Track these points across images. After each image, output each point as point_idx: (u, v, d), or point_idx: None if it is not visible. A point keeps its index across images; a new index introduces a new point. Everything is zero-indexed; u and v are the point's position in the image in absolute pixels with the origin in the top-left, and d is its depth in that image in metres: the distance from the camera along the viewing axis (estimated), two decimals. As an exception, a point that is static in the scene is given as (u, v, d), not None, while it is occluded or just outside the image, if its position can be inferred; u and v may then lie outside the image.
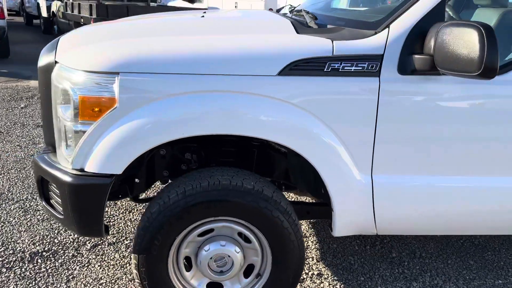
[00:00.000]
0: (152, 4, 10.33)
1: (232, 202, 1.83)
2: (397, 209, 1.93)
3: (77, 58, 1.80)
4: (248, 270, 2.05)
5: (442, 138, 1.82)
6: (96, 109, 1.73)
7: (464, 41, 1.50)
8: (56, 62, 1.90)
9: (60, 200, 1.91)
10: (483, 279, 2.56)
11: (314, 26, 1.97)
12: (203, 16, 2.31)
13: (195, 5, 12.13)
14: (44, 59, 1.97)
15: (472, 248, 2.86)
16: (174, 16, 2.57)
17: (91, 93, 1.72)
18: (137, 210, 3.16)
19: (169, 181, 2.46)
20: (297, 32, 1.90)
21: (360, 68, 1.74)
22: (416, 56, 1.72)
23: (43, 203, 2.06)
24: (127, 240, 2.78)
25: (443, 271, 2.61)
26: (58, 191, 1.89)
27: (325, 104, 1.76)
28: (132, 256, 1.96)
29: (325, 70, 1.74)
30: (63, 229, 2.84)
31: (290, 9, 2.94)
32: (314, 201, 2.49)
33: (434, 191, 1.90)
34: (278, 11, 3.03)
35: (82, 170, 1.80)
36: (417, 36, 1.74)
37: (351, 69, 1.74)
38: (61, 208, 1.92)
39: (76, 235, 2.77)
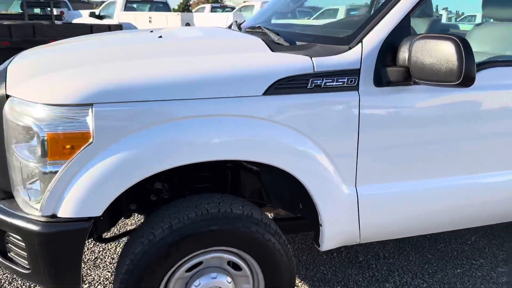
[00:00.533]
0: (57, 22, 9.64)
1: (223, 231, 1.74)
2: (380, 217, 1.99)
3: (39, 90, 1.59)
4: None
5: (419, 144, 1.92)
6: (68, 146, 1.54)
7: (441, 53, 1.59)
8: (7, 95, 1.66)
9: (25, 253, 1.66)
10: (444, 270, 2.73)
11: (284, 43, 1.97)
12: (160, 37, 2.18)
13: (105, 22, 11.57)
14: None
15: (426, 242, 3.05)
16: (126, 36, 2.40)
17: (61, 129, 1.52)
18: (88, 249, 2.88)
19: (136, 214, 2.29)
20: (272, 50, 1.88)
21: (341, 83, 1.77)
22: (390, 68, 1.79)
23: (2, 259, 1.78)
24: (85, 284, 2.52)
25: (408, 268, 2.74)
26: (22, 243, 1.64)
27: (311, 121, 1.75)
28: (113, 305, 1.77)
29: (308, 87, 1.73)
30: (7, 283, 2.49)
31: (238, 25, 2.92)
32: (285, 217, 2.47)
33: (414, 195, 1.99)
34: (229, 27, 2.99)
35: (54, 216, 1.59)
36: (388, 49, 1.81)
37: (333, 85, 1.76)
38: (27, 262, 1.68)
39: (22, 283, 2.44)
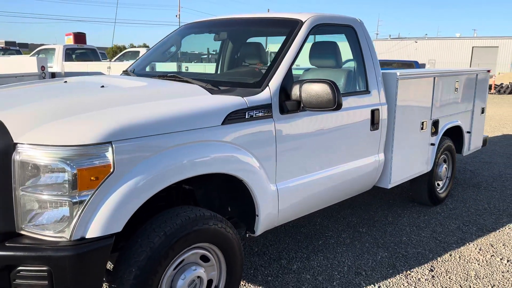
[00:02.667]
0: None
1: (201, 230, 2.29)
2: (290, 203, 2.85)
3: (62, 135, 1.88)
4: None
5: (307, 148, 2.88)
6: (93, 177, 1.89)
7: (322, 90, 2.58)
8: (15, 143, 1.87)
9: (45, 281, 1.87)
10: (311, 244, 3.78)
11: (213, 88, 2.67)
12: (103, 86, 2.57)
13: None
14: None
15: (292, 229, 4.07)
16: (80, 86, 2.69)
17: (87, 164, 1.87)
18: None
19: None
20: (211, 93, 2.56)
21: (263, 113, 2.59)
22: (287, 102, 2.72)
23: None
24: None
25: (289, 247, 3.69)
26: (43, 272, 1.85)
27: (249, 139, 2.51)
28: (122, 310, 2.08)
29: (246, 117, 2.49)
30: None
31: (131, 71, 3.43)
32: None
33: (308, 184, 2.94)
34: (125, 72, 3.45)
35: (83, 238, 1.88)
36: (283, 90, 2.73)
37: (259, 115, 2.57)
38: (46, 290, 1.88)
39: None
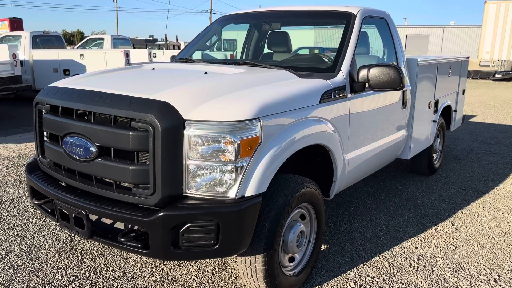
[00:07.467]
0: None
1: (306, 191, 2.73)
2: (352, 168, 3.36)
3: (223, 112, 2.22)
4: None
5: (366, 124, 3.40)
6: (249, 147, 2.26)
7: (389, 73, 3.09)
8: (185, 120, 2.19)
9: (211, 234, 2.22)
10: (346, 209, 4.32)
11: (295, 73, 3.07)
12: (206, 73, 2.89)
13: None
14: (165, 123, 2.15)
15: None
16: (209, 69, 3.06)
17: (246, 136, 2.23)
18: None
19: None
20: (300, 77, 2.98)
21: (341, 94, 3.05)
22: (355, 83, 3.20)
23: (174, 249, 2.22)
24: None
25: (329, 214, 4.20)
26: (211, 226, 2.20)
27: (334, 115, 2.96)
28: (256, 258, 2.48)
29: (332, 97, 2.95)
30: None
31: (188, 57, 3.74)
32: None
33: (363, 155, 3.45)
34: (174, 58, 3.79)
35: (243, 197, 2.26)
36: (349, 73, 3.21)
37: (340, 95, 3.03)
38: (212, 241, 2.24)
39: None
